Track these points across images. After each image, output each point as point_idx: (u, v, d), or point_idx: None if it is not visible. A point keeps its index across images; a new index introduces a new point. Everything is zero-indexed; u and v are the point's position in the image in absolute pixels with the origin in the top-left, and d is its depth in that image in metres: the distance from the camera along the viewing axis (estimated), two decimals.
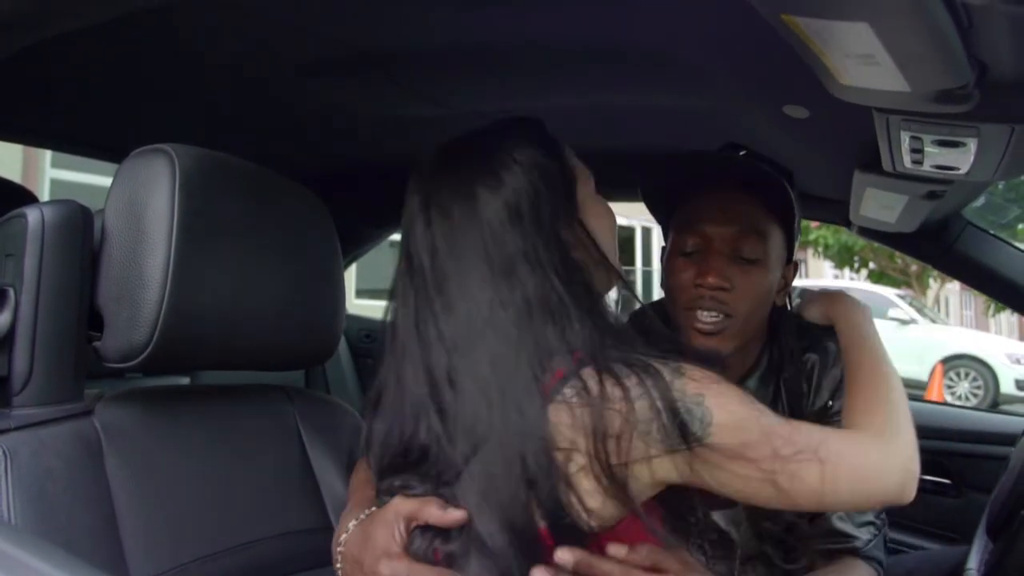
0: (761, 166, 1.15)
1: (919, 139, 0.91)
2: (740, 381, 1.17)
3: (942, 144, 0.91)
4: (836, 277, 19.10)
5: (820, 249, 16.29)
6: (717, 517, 1.15)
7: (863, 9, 0.54)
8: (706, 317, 1.11)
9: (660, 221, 1.27)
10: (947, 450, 1.73)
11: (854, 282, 16.03)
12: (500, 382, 0.73)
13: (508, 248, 0.77)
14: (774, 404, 1.16)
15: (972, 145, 0.89)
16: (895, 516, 1.80)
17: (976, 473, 1.70)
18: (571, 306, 0.76)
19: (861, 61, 0.64)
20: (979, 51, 0.67)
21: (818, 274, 20.89)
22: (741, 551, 1.14)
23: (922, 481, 1.73)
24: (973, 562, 1.18)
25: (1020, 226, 10.61)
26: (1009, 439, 1.42)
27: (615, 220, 0.92)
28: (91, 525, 0.77)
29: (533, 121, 0.88)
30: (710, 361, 1.05)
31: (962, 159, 0.95)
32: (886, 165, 1.08)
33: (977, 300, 21.70)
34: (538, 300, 0.75)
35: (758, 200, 1.14)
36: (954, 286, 17.98)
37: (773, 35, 0.67)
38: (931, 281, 15.74)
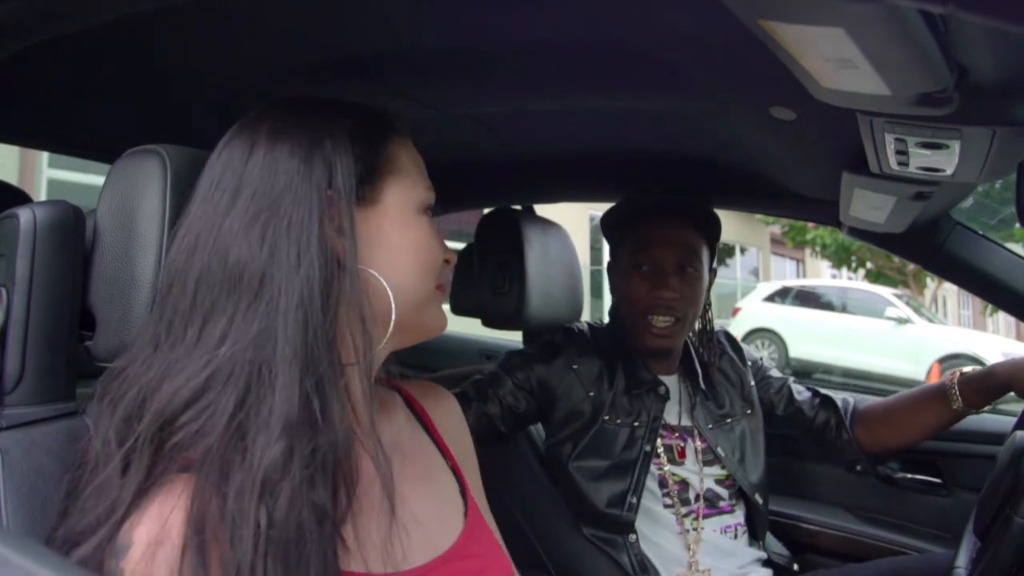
0: (700, 204, 1.51)
1: (903, 141, 0.92)
2: (681, 372, 1.54)
3: (926, 146, 0.92)
4: (834, 276, 19.13)
5: (818, 249, 16.33)
6: (678, 470, 1.45)
7: (838, 15, 0.55)
8: (661, 321, 1.44)
9: (611, 241, 1.59)
10: (937, 449, 1.73)
11: (852, 281, 16.06)
12: None
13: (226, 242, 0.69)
14: (692, 393, 1.51)
15: (956, 147, 0.90)
16: (885, 515, 1.81)
17: (966, 472, 1.71)
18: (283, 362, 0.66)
19: (840, 65, 0.65)
20: (957, 55, 0.68)
21: (816, 274, 20.93)
22: (695, 489, 1.45)
23: (913, 480, 1.77)
24: (962, 561, 1.19)
25: (1016, 226, 10.63)
26: (998, 438, 1.42)
27: (434, 248, 0.80)
28: None
29: (373, 107, 0.81)
30: (663, 355, 1.43)
31: (947, 161, 0.96)
32: (873, 167, 1.09)
33: (975, 300, 21.70)
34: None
35: (694, 227, 1.48)
36: (951, 285, 17.98)
37: (757, 38, 0.68)
38: (928, 281, 15.77)
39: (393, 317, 0.75)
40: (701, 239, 1.50)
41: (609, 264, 1.60)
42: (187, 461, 0.64)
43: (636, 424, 1.43)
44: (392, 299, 0.74)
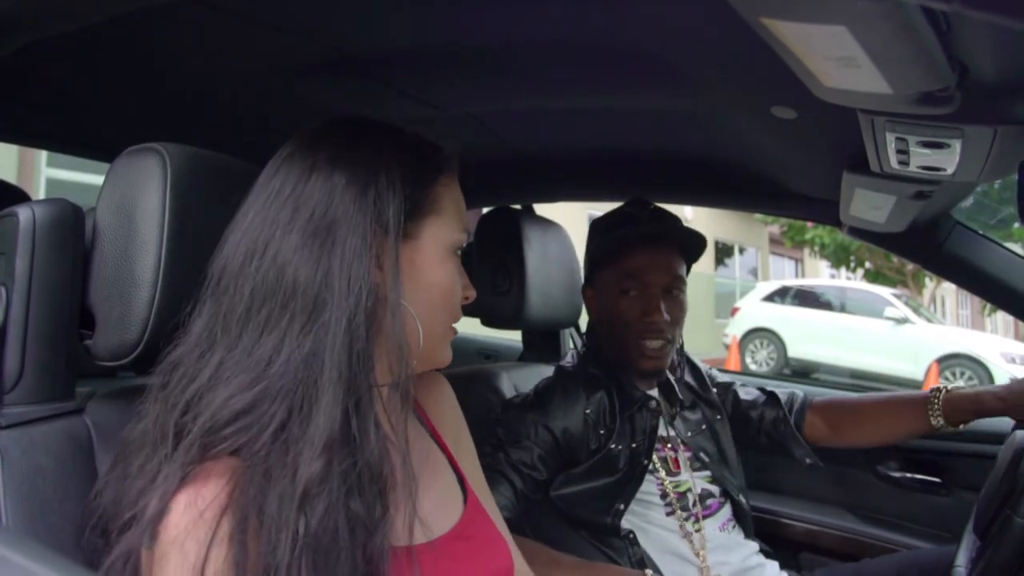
0: (686, 230, 1.51)
1: (904, 140, 0.92)
2: (661, 389, 1.54)
3: (927, 145, 0.92)
4: (833, 276, 19.15)
5: (816, 249, 16.34)
6: (677, 479, 1.47)
7: (841, 13, 0.55)
8: (653, 345, 1.45)
9: (593, 263, 1.55)
10: (937, 449, 1.73)
11: (850, 281, 16.07)
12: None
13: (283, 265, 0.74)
14: (670, 405, 1.53)
15: (957, 146, 0.90)
16: (885, 514, 1.81)
17: (966, 472, 1.71)
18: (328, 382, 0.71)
19: (842, 63, 0.65)
20: (959, 54, 0.67)
21: (814, 273, 20.94)
22: (692, 493, 1.47)
23: (912, 480, 1.77)
24: (962, 560, 1.19)
25: (1016, 225, 10.63)
26: (998, 438, 1.42)
27: (455, 290, 0.85)
28: None
29: (428, 142, 0.85)
30: (656, 375, 1.46)
31: (947, 160, 0.96)
32: (873, 166, 1.09)
33: (973, 299, 21.75)
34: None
35: (679, 251, 1.50)
36: (950, 285, 17.97)
37: (759, 37, 0.68)
38: (927, 280, 15.78)
39: (421, 346, 0.80)
40: (683, 262, 1.52)
41: (586, 288, 1.58)
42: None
43: (634, 445, 1.45)
44: (420, 330, 0.80)
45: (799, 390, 1.64)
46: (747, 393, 1.64)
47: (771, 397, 1.62)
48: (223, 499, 0.66)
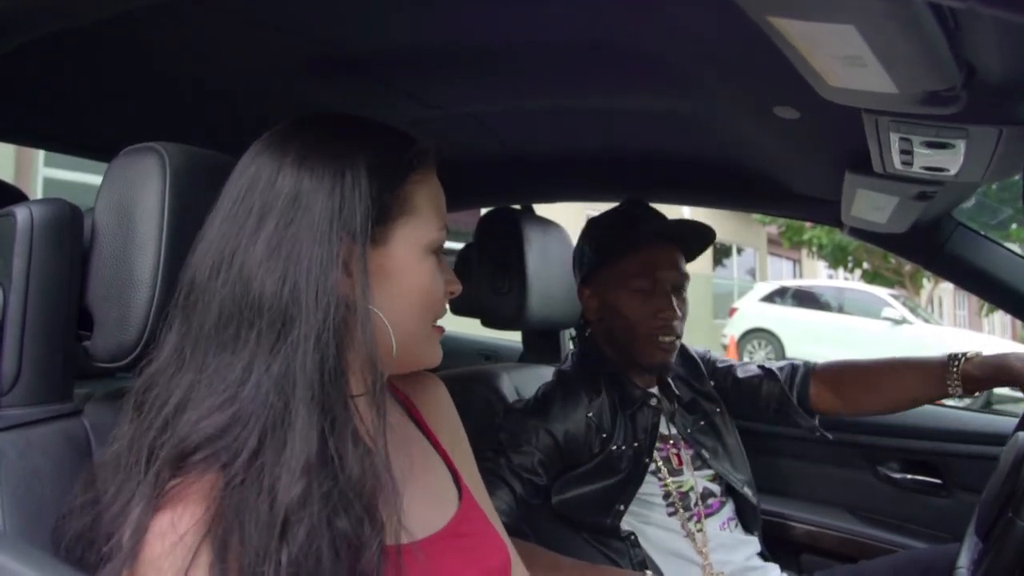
0: (697, 223, 1.51)
1: (908, 140, 0.91)
2: (660, 388, 1.54)
3: (931, 145, 0.91)
4: (830, 277, 19.17)
5: (814, 249, 16.37)
6: (679, 479, 1.48)
7: (849, 11, 0.54)
8: (667, 341, 1.47)
9: (597, 259, 1.54)
10: (938, 450, 1.73)
11: (848, 282, 16.09)
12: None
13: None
14: (670, 402, 1.53)
15: (961, 146, 0.90)
16: (885, 516, 1.81)
17: (966, 473, 1.71)
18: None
19: (848, 63, 0.64)
20: (966, 53, 0.67)
21: (813, 274, 20.96)
22: (695, 492, 1.47)
23: (913, 481, 1.76)
24: (964, 561, 1.18)
25: (1013, 226, 10.66)
26: (1000, 439, 1.41)
27: (435, 289, 0.81)
28: None
29: (401, 137, 0.81)
30: (666, 369, 1.47)
31: (951, 160, 0.96)
32: (876, 166, 1.08)
33: (971, 300, 21.81)
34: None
35: (682, 250, 1.52)
36: (948, 286, 18.03)
37: (763, 36, 0.67)
38: (925, 281, 15.82)
39: (394, 354, 0.77)
40: (685, 261, 1.54)
41: (583, 288, 1.56)
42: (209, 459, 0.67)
43: (636, 444, 1.44)
44: (392, 337, 0.76)
45: (800, 360, 1.63)
46: (746, 372, 1.63)
47: (768, 373, 1.60)
48: (203, 523, 0.64)
